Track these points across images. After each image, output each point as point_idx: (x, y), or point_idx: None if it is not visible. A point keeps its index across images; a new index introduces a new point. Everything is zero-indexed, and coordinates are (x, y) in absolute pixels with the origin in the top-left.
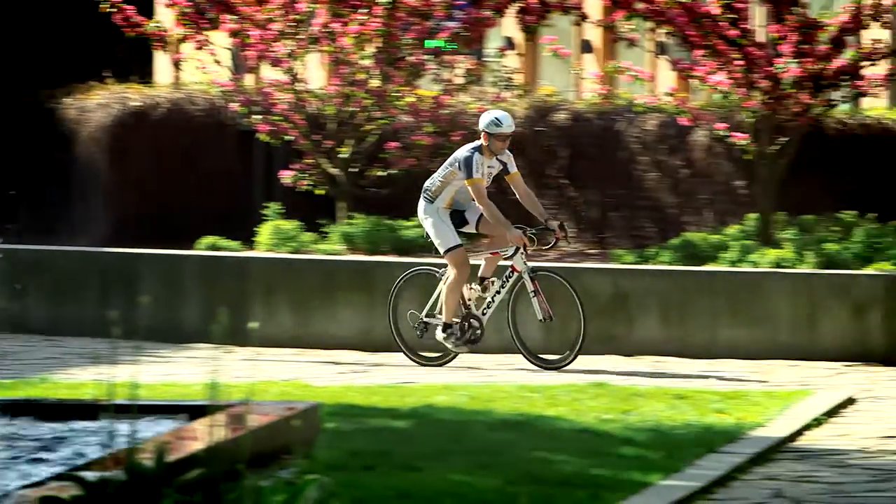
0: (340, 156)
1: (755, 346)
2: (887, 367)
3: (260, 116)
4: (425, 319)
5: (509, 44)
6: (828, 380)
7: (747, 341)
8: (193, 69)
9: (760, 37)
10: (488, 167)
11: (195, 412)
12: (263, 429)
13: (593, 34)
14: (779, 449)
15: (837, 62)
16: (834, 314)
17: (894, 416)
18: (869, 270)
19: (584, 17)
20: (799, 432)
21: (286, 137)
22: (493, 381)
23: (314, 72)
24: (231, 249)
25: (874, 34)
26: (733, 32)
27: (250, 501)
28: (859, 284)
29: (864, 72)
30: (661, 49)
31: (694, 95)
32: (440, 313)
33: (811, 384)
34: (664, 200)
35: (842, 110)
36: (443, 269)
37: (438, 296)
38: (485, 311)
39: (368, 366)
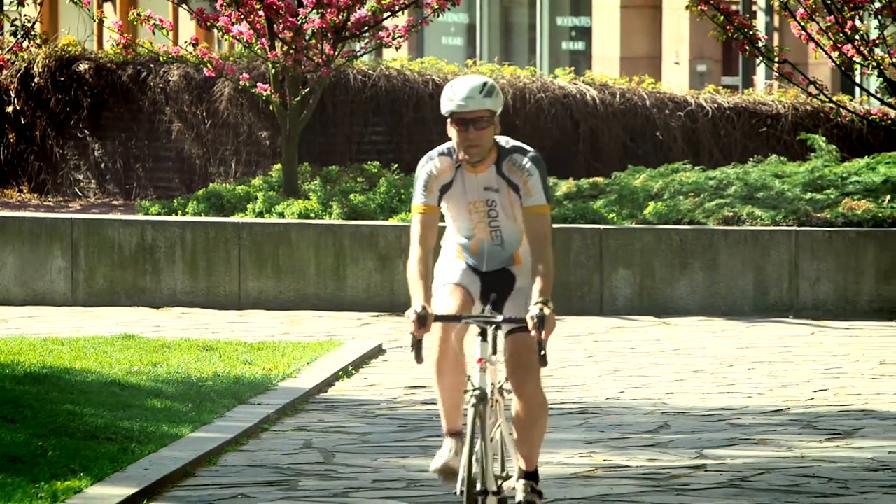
0: None
1: (282, 296)
2: None
3: None
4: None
5: None
6: (355, 330)
7: (274, 292)
8: None
9: None
10: (484, 189)
11: None
12: None
13: None
14: (308, 400)
15: (359, 13)
16: (360, 265)
17: (420, 366)
18: (394, 221)
19: None
20: (328, 383)
21: None
22: (18, 333)
23: None
24: None
25: None
26: None
27: None
28: (385, 235)
29: (385, 23)
30: None
31: (217, 45)
32: None
33: (339, 335)
34: (189, 151)
35: (364, 61)
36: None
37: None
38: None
39: None
